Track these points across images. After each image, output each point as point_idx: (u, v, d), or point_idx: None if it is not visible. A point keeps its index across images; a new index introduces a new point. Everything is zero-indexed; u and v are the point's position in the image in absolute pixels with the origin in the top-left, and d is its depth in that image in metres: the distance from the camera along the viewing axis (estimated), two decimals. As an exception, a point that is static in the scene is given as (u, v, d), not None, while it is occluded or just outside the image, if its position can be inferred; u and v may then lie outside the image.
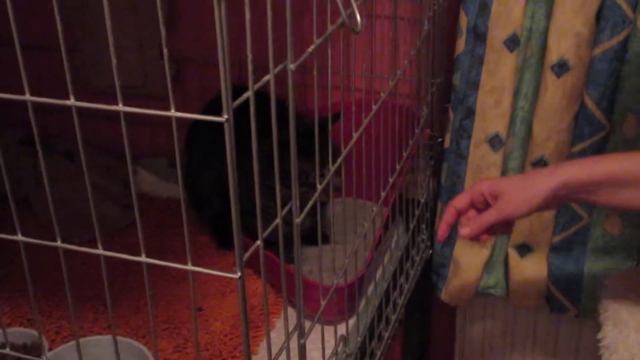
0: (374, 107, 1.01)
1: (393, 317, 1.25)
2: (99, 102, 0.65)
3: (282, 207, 0.76)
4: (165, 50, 0.62)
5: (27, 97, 0.68)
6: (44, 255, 1.36)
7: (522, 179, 1.01)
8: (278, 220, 0.77)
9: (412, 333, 1.72)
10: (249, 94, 0.66)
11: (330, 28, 0.79)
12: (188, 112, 0.69)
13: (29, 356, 0.79)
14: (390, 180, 1.14)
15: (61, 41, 0.64)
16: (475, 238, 1.04)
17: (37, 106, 0.66)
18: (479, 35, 1.31)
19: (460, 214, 1.07)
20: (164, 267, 0.71)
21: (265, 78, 0.70)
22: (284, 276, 0.81)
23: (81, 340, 1.04)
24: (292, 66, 0.72)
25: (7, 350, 0.81)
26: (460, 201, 1.06)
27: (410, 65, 1.37)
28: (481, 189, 1.03)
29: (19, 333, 1.06)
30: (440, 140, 1.46)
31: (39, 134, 0.70)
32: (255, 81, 0.66)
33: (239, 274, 0.69)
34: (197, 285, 1.40)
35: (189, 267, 0.72)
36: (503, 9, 1.27)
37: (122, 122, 0.66)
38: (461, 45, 1.34)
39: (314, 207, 1.01)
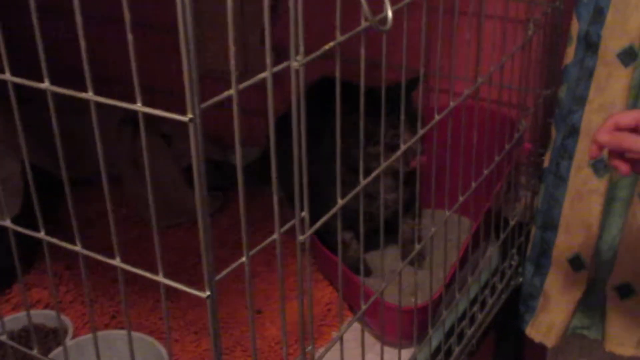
0: (436, 114, 0.90)
1: (457, 349, 1.14)
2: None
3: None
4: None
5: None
6: (122, 235, 1.36)
7: None
8: (275, 236, 0.69)
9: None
10: (231, 92, 0.58)
11: (363, 24, 0.70)
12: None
13: (20, 346, 0.75)
14: (461, 198, 1.02)
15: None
16: (612, 159, 0.92)
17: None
18: (590, 45, 1.15)
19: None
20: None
21: (261, 75, 0.62)
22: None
23: (107, 332, 1.01)
24: (296, 64, 0.63)
25: (3, 338, 0.77)
26: (625, 117, 0.92)
27: (513, 72, 1.23)
28: None
29: (54, 316, 1.04)
30: (543, 158, 1.32)
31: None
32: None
33: (208, 292, 0.61)
34: (261, 286, 1.34)
35: (160, 278, 0.65)
36: (619, 16, 1.11)
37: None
38: (570, 54, 1.19)
39: (397, 176, 0.93)
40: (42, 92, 0.63)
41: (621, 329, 1.28)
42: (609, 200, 1.23)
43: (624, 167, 0.92)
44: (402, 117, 0.85)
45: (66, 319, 1.06)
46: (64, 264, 1.36)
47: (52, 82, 0.63)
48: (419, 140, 0.95)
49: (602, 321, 1.31)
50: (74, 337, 1.04)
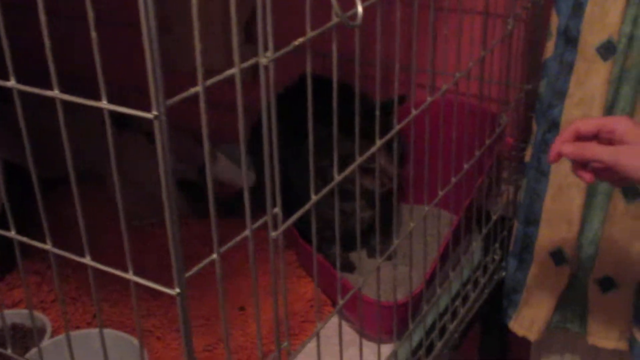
0: (413, 109, 0.90)
1: (439, 344, 1.14)
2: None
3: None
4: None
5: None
6: (106, 233, 1.35)
7: None
8: (247, 232, 0.69)
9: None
10: (197, 89, 0.58)
11: (334, 20, 0.69)
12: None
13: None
14: (440, 193, 1.02)
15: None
16: (576, 168, 0.94)
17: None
18: (569, 39, 1.15)
19: (579, 139, 0.93)
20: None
21: (229, 72, 0.62)
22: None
23: (87, 331, 1.01)
24: (264, 60, 0.63)
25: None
26: (586, 124, 0.93)
27: (492, 67, 1.23)
28: (616, 125, 0.90)
29: (34, 316, 1.04)
30: (525, 152, 1.32)
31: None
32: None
33: (178, 290, 0.61)
34: (245, 283, 1.34)
35: (130, 276, 0.65)
36: (598, 10, 1.11)
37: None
38: (550, 49, 1.19)
39: (373, 197, 0.94)
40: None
41: (603, 322, 1.29)
42: (590, 194, 1.23)
43: (587, 176, 0.94)
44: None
45: (45, 318, 1.05)
46: (46, 263, 1.36)
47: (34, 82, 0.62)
48: (395, 163, 0.97)
49: (584, 315, 1.31)
50: (53, 336, 1.04)
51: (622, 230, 1.22)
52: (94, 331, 1.00)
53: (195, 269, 0.62)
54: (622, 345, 1.29)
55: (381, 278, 0.94)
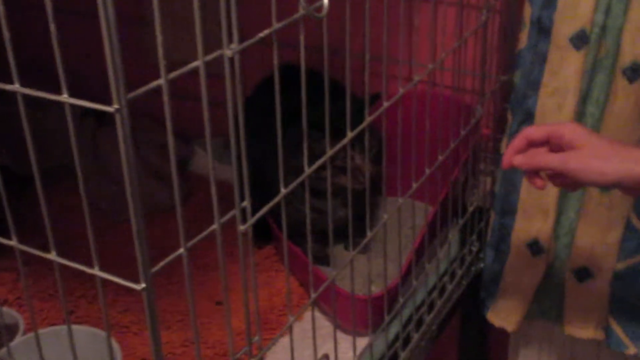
0: (385, 101, 0.90)
1: (416, 336, 1.14)
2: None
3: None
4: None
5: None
6: (83, 228, 1.34)
7: (611, 148, 0.88)
8: (215, 226, 0.68)
9: (467, 354, 1.60)
10: (160, 82, 0.58)
11: (300, 12, 0.69)
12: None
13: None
14: (414, 185, 1.02)
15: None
16: (529, 176, 0.96)
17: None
18: (543, 30, 1.15)
19: (530, 146, 0.95)
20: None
21: (193, 64, 0.61)
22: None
23: (58, 328, 1.01)
24: (229, 52, 0.63)
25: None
26: (536, 131, 0.95)
27: (466, 58, 1.23)
28: (564, 131, 0.91)
29: (5, 313, 1.03)
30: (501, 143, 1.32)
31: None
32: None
33: (143, 285, 0.61)
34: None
35: (95, 271, 0.64)
36: (571, 0, 1.11)
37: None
38: (524, 39, 1.19)
39: (347, 196, 0.94)
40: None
41: (580, 312, 1.29)
42: (565, 184, 1.23)
43: (539, 182, 0.96)
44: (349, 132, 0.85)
45: (18, 316, 1.04)
46: (21, 260, 1.34)
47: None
48: (369, 160, 0.96)
49: (561, 305, 1.32)
50: (27, 333, 1.03)
51: (597, 220, 1.22)
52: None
53: (161, 264, 0.62)
54: (599, 335, 1.30)
55: (358, 271, 0.94)
